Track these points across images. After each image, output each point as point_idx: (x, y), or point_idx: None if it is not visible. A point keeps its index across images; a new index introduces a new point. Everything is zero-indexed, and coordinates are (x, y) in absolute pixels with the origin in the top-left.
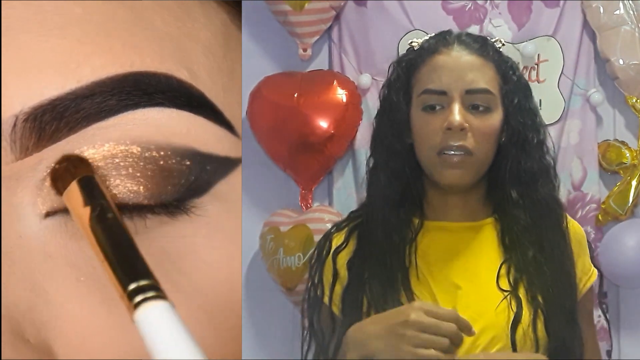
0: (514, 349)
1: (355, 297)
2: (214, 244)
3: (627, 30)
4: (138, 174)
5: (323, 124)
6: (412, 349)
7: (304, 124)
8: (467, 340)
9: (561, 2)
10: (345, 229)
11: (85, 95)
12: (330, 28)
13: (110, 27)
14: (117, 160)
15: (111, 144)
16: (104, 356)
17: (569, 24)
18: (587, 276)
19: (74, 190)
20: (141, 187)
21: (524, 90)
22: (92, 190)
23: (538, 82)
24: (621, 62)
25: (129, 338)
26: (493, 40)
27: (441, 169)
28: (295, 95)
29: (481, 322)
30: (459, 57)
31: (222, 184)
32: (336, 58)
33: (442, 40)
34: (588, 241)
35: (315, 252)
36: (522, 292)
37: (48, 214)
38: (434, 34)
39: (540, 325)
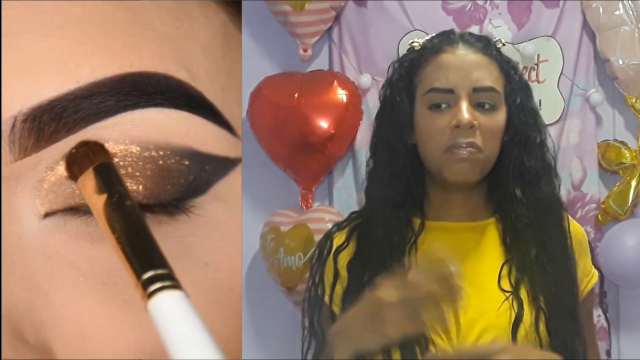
0: None
1: (356, 298)
2: (212, 244)
3: (626, 30)
4: (137, 174)
5: (323, 124)
6: (397, 329)
7: (305, 124)
8: (469, 341)
9: (561, 3)
10: (346, 229)
11: (84, 96)
12: (330, 28)
13: (110, 28)
14: (116, 159)
15: (110, 143)
16: (103, 356)
17: (569, 24)
18: (587, 278)
19: (91, 176)
20: (140, 187)
21: (526, 90)
22: (110, 177)
23: (538, 82)
24: (621, 62)
25: (128, 338)
26: (494, 40)
27: (450, 164)
28: (296, 96)
29: (482, 322)
30: (465, 55)
31: (221, 184)
32: (336, 58)
33: (447, 39)
34: (589, 242)
35: (316, 251)
36: (523, 293)
37: (47, 214)
38: (436, 34)
39: (542, 326)
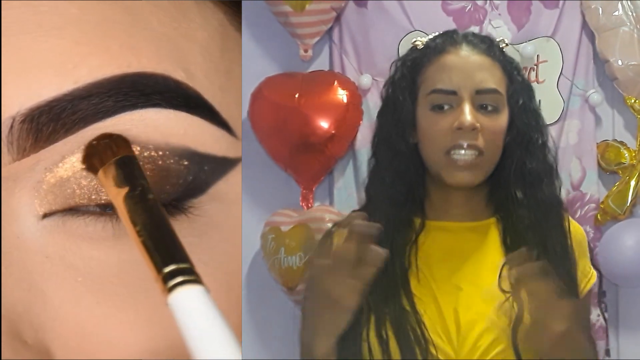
0: (516, 350)
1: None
2: (212, 244)
3: (625, 31)
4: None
5: (324, 124)
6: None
7: (305, 124)
8: (469, 341)
9: (560, 3)
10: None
11: (82, 97)
12: (331, 29)
13: (107, 28)
14: None
15: None
16: (101, 357)
17: (568, 25)
18: (586, 278)
19: (113, 168)
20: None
21: (528, 90)
22: (133, 169)
23: (537, 83)
24: (620, 62)
25: (127, 338)
26: (497, 40)
27: (450, 170)
28: (296, 96)
29: (483, 323)
30: (468, 56)
31: (220, 184)
32: (337, 59)
33: (449, 39)
34: (588, 243)
35: (317, 250)
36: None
37: (46, 215)
38: (439, 33)
39: None
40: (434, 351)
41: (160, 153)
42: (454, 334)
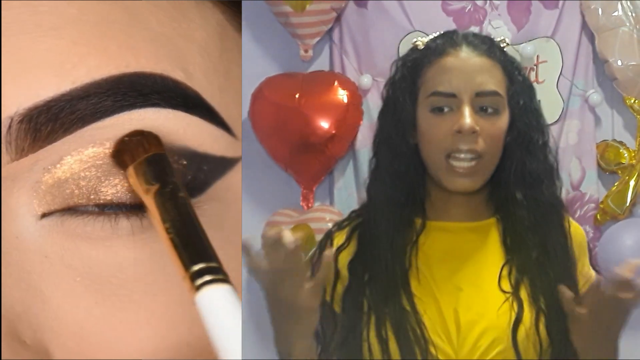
0: (516, 351)
1: (356, 299)
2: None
3: (625, 31)
4: None
5: (324, 124)
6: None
7: (305, 125)
8: (469, 341)
9: (560, 4)
10: (347, 229)
11: (81, 97)
12: (331, 29)
13: (106, 28)
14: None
15: (112, 142)
16: (100, 357)
17: (568, 25)
18: (585, 279)
19: (144, 164)
20: None
21: (529, 91)
22: (165, 167)
23: (537, 83)
24: (619, 63)
25: (125, 338)
26: (498, 40)
27: (450, 176)
28: (297, 96)
29: (483, 323)
30: (468, 58)
31: (219, 183)
32: (337, 59)
33: (449, 40)
34: (587, 243)
35: (317, 251)
36: (524, 294)
37: (44, 215)
38: (439, 34)
39: (542, 327)
40: (433, 351)
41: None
42: (454, 334)
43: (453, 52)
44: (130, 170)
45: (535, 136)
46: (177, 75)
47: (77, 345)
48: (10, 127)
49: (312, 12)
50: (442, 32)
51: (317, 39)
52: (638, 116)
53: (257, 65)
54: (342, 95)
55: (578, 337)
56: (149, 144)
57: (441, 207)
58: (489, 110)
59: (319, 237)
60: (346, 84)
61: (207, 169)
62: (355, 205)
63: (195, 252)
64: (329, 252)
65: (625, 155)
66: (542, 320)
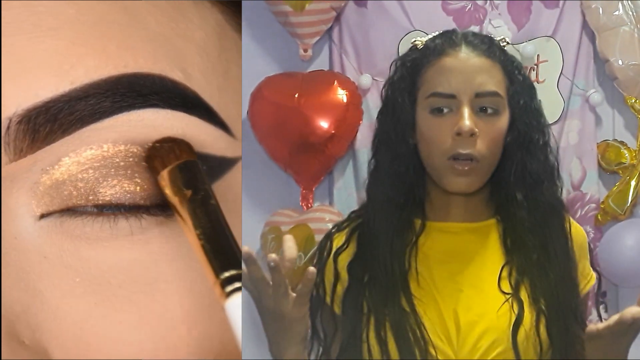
0: (516, 352)
1: (356, 300)
2: None
3: (626, 30)
4: (136, 175)
5: (324, 124)
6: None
7: (305, 124)
8: (469, 342)
9: (560, 3)
10: (346, 230)
11: (79, 97)
12: (330, 29)
13: (104, 28)
14: (117, 160)
15: (110, 144)
16: (99, 357)
17: (569, 25)
18: (586, 280)
19: (175, 171)
20: (138, 188)
21: (529, 90)
22: (196, 174)
23: (537, 83)
24: (620, 62)
25: (124, 339)
26: (498, 39)
27: (449, 177)
28: (296, 96)
29: (482, 324)
30: (467, 59)
31: (218, 183)
32: (337, 58)
33: (449, 40)
34: (588, 244)
35: (317, 252)
36: (524, 295)
37: (43, 215)
38: (439, 33)
39: (542, 328)
40: (433, 352)
41: None
42: (454, 335)
43: (452, 52)
44: (162, 176)
45: (535, 136)
46: (176, 75)
47: (76, 345)
48: (9, 127)
49: (311, 12)
50: (441, 32)
51: (317, 38)
52: (639, 116)
53: (256, 64)
54: (342, 95)
55: (591, 354)
56: (181, 151)
57: (441, 208)
58: (489, 110)
59: (318, 237)
60: (346, 83)
61: (207, 169)
62: (354, 206)
63: (226, 259)
64: (312, 270)
65: (626, 155)
66: (543, 321)
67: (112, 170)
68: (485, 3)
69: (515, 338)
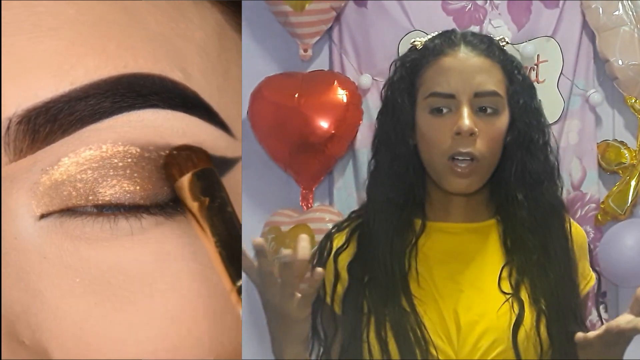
0: (516, 352)
1: (356, 300)
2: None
3: (626, 30)
4: (135, 174)
5: (324, 124)
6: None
7: (305, 124)
8: (469, 342)
9: (560, 3)
10: (346, 230)
11: (79, 98)
12: (330, 29)
13: (104, 28)
14: (115, 160)
15: (109, 145)
16: (99, 357)
17: (569, 25)
18: (585, 280)
19: (193, 179)
20: (137, 187)
21: (529, 90)
22: (213, 182)
23: (537, 83)
24: (620, 62)
25: (124, 339)
26: (497, 39)
27: (448, 177)
28: (296, 96)
29: (483, 324)
30: (466, 59)
31: None
32: (337, 58)
33: (448, 40)
34: (588, 244)
35: (317, 252)
36: (524, 295)
37: (43, 216)
38: (437, 34)
39: (542, 328)
40: (434, 352)
41: (162, 154)
42: (454, 335)
43: (451, 52)
44: (179, 183)
45: (535, 136)
46: (176, 75)
47: (76, 345)
48: (8, 128)
49: (311, 12)
50: (440, 32)
51: (317, 38)
52: (639, 116)
53: (256, 64)
54: (342, 95)
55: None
56: (198, 159)
57: (441, 208)
58: (489, 110)
59: (318, 237)
60: (346, 83)
61: None
62: (354, 206)
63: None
64: (320, 270)
65: (626, 155)
66: (543, 321)
67: (111, 170)
68: (485, 3)
69: (515, 338)
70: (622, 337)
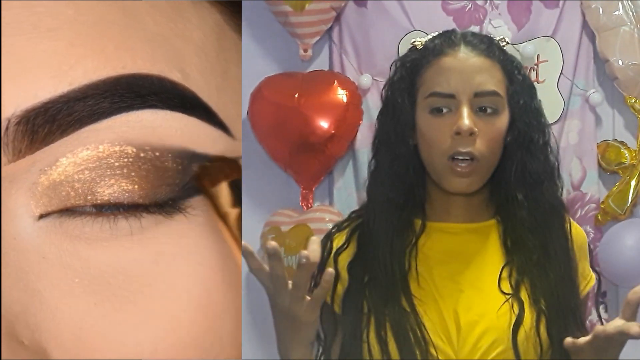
0: (516, 352)
1: (356, 300)
2: (209, 245)
3: (626, 30)
4: (133, 174)
5: (324, 124)
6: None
7: (305, 124)
8: (469, 342)
9: (560, 3)
10: (346, 230)
11: (78, 98)
12: (330, 29)
13: (103, 29)
14: (112, 160)
15: (106, 145)
16: (98, 357)
17: (569, 25)
18: (585, 280)
19: (224, 189)
20: (136, 186)
21: (529, 90)
22: (241, 193)
23: (537, 83)
24: (620, 62)
25: (123, 339)
26: (497, 39)
27: (448, 177)
28: (296, 96)
29: (483, 324)
30: (466, 58)
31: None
32: (337, 58)
33: (448, 40)
34: (588, 245)
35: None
36: (524, 295)
37: (42, 216)
38: (437, 34)
39: (542, 328)
40: (434, 352)
41: (158, 154)
42: (454, 335)
43: (451, 52)
44: (210, 193)
45: (535, 136)
46: (174, 76)
47: (75, 346)
48: (7, 128)
49: (311, 12)
50: (440, 32)
51: (317, 38)
52: (639, 116)
53: (256, 64)
54: (342, 95)
55: None
56: (230, 169)
57: (441, 208)
58: (488, 110)
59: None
60: (346, 83)
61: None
62: (355, 206)
63: None
64: (331, 271)
65: (626, 155)
66: (543, 321)
67: (108, 170)
68: (485, 3)
69: (515, 338)
70: (611, 342)
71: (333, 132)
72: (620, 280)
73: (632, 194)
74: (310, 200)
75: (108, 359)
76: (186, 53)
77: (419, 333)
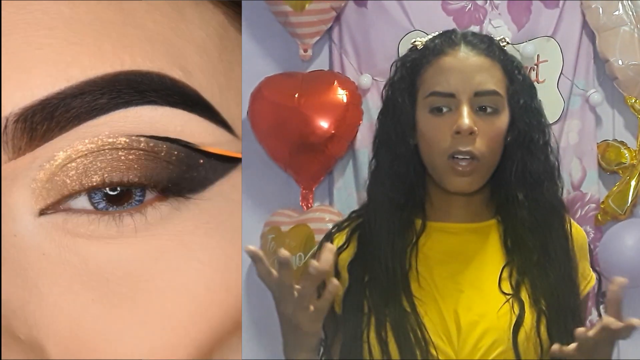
0: (516, 352)
1: (356, 300)
2: (210, 243)
3: (626, 30)
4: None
5: (324, 124)
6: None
7: (305, 124)
8: (470, 342)
9: (560, 3)
10: (347, 230)
11: (75, 95)
12: (330, 29)
13: (100, 27)
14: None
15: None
16: (96, 355)
17: (569, 25)
18: (586, 281)
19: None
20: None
21: (529, 90)
22: None
23: (537, 83)
24: (620, 62)
25: (122, 336)
26: (498, 39)
27: (449, 176)
28: (296, 96)
29: (483, 324)
30: (466, 58)
31: (221, 182)
32: (337, 58)
33: (448, 40)
34: (588, 245)
35: (317, 252)
36: (524, 295)
37: (42, 213)
38: (438, 34)
39: (542, 328)
40: (434, 352)
41: (152, 144)
42: (455, 335)
43: (451, 51)
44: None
45: (536, 136)
46: (175, 73)
47: (73, 343)
48: (6, 126)
49: (311, 12)
50: (440, 32)
51: (317, 38)
52: (639, 116)
53: (256, 64)
54: (342, 95)
55: None
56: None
57: (441, 208)
58: (489, 109)
59: (318, 237)
60: (346, 83)
61: (208, 166)
62: (355, 206)
63: None
64: (336, 283)
65: (626, 155)
66: (543, 322)
67: (100, 156)
68: (485, 3)
69: (515, 338)
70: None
71: (333, 132)
72: None
73: (632, 194)
74: (310, 200)
75: (106, 357)
76: (187, 52)
77: (419, 333)
